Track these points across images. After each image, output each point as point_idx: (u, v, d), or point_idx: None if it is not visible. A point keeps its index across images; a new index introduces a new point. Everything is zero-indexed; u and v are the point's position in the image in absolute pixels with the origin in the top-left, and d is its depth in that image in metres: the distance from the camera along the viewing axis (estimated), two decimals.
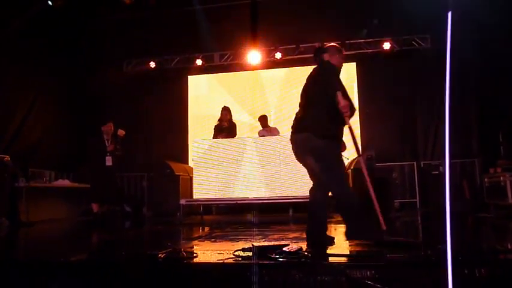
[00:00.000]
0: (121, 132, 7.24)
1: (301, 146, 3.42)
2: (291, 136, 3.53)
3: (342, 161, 3.56)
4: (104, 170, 7.09)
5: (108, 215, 7.56)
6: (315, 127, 3.30)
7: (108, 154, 7.12)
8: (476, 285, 2.24)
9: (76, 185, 8.16)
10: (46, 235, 5.49)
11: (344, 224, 3.53)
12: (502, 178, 6.58)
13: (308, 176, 3.51)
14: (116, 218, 7.69)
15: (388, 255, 2.70)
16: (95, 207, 7.12)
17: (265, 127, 7.83)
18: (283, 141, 6.39)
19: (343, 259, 2.61)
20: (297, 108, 3.54)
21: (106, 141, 7.18)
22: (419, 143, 8.80)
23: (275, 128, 7.88)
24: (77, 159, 8.72)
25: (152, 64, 9.76)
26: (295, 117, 3.54)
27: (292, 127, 3.53)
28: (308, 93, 3.45)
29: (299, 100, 3.57)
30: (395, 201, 7.05)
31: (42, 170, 8.16)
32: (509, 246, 3.44)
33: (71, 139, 9.00)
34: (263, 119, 7.93)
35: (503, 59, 7.42)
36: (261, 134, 7.60)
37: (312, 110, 3.37)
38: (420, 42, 8.82)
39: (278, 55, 9.17)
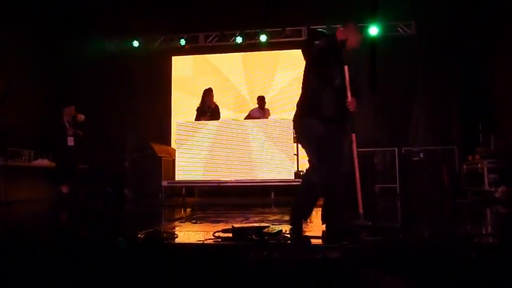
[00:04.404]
0: (80, 117, 7.41)
1: None
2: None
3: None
4: (66, 151, 7.25)
5: (88, 196, 7.49)
6: None
7: (70, 134, 7.30)
8: (453, 268, 2.30)
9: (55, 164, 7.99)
10: (24, 215, 5.41)
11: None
12: (479, 165, 6.72)
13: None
14: (96, 199, 7.62)
15: (365, 238, 2.75)
16: (64, 188, 7.16)
17: (262, 108, 7.97)
18: (267, 125, 6.38)
19: (320, 241, 2.64)
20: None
21: (67, 124, 7.36)
22: (402, 129, 8.88)
23: (267, 110, 8.02)
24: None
25: (135, 43, 9.58)
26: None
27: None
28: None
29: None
30: (375, 186, 7.15)
31: (22, 149, 7.99)
32: (483, 231, 3.53)
33: (50, 118, 8.80)
34: (260, 100, 8.08)
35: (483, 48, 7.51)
36: (252, 114, 7.73)
37: None
38: (405, 28, 8.84)
39: (263, 38, 9.10)
